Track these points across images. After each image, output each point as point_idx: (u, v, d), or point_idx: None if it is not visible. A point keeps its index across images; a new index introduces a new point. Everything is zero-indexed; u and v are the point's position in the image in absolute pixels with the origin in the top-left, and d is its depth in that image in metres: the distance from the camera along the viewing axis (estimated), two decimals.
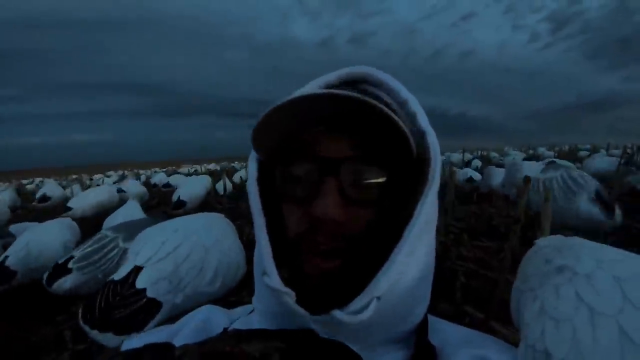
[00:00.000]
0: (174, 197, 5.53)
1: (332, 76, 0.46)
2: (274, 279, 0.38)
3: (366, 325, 0.37)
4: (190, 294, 1.70)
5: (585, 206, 2.69)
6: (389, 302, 0.37)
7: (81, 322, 1.52)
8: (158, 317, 1.58)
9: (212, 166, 21.04)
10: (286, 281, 0.38)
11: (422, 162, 0.41)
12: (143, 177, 14.30)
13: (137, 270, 1.66)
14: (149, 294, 1.58)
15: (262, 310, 0.46)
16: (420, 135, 0.42)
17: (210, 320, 0.51)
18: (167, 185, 8.27)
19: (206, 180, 6.35)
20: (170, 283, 1.65)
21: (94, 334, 1.47)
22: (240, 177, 8.48)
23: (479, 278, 2.64)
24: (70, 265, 2.34)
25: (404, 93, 0.45)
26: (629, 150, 8.23)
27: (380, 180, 0.40)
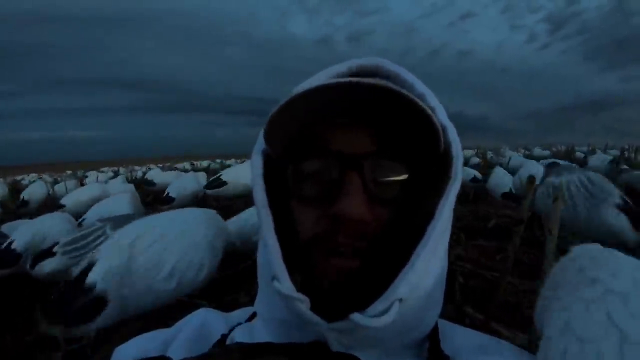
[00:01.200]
0: (165, 193, 5.54)
1: (342, 67, 0.43)
2: (286, 285, 0.34)
3: (385, 330, 0.34)
4: (142, 288, 1.71)
5: (612, 216, 2.40)
6: (409, 305, 0.34)
7: (39, 314, 1.59)
8: (109, 311, 1.63)
9: (206, 163, 21.00)
10: (299, 286, 0.35)
11: (443, 158, 0.39)
12: (139, 173, 14.27)
13: (91, 265, 1.71)
14: (98, 288, 1.63)
15: (267, 318, 0.43)
16: (442, 130, 0.39)
17: (207, 325, 0.49)
18: (151, 183, 8.09)
19: (198, 177, 6.25)
20: (120, 276, 1.68)
21: (45, 325, 1.54)
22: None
23: (477, 278, 2.64)
24: (55, 249, 2.38)
25: (420, 86, 0.42)
26: (625, 152, 8.27)
27: (403, 177, 0.38)
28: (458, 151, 0.38)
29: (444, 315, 0.45)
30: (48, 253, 2.37)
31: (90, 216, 3.70)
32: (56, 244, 2.41)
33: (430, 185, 0.39)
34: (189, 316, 0.52)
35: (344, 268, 0.36)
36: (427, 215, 0.36)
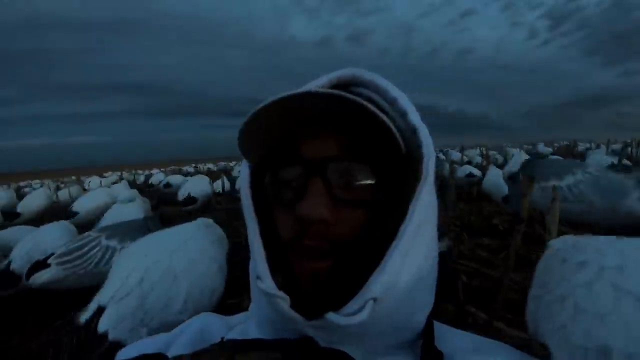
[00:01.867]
0: (182, 194, 5.63)
1: (323, 80, 0.45)
2: (268, 283, 0.37)
3: (363, 329, 0.35)
4: (159, 326, 1.64)
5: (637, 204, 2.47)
6: (385, 304, 0.35)
7: None
8: None
9: (210, 166, 21.10)
10: (280, 286, 0.37)
11: (415, 159, 0.40)
12: (142, 178, 14.33)
13: (100, 311, 1.62)
14: (111, 336, 1.54)
15: (257, 317, 0.45)
16: (412, 131, 0.41)
17: (207, 328, 0.50)
18: (168, 185, 8.26)
19: (208, 179, 6.42)
20: (134, 319, 1.60)
21: None
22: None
23: (481, 277, 2.63)
24: (50, 260, 2.35)
25: (393, 91, 0.43)
26: (628, 147, 8.24)
27: (370, 179, 0.39)
28: (429, 151, 0.39)
29: (446, 314, 0.45)
30: (43, 264, 2.36)
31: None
32: (51, 255, 2.40)
33: (404, 187, 0.39)
34: (189, 320, 0.53)
35: (315, 269, 0.38)
36: (402, 217, 0.37)
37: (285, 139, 0.40)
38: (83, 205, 4.96)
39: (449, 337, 0.44)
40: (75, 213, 4.78)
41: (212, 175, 9.00)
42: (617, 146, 10.35)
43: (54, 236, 2.91)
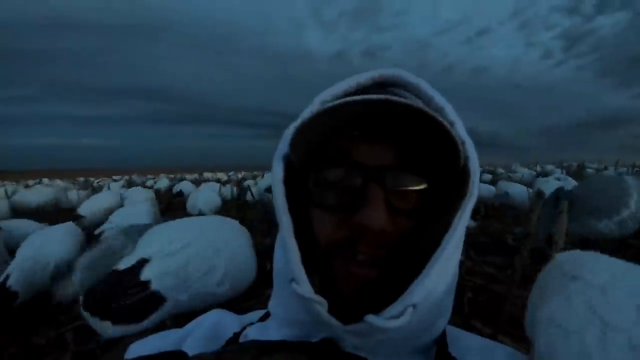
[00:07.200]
0: (192, 208, 5.64)
1: (363, 77, 0.43)
2: (305, 287, 0.35)
3: (398, 333, 0.35)
4: (197, 293, 1.65)
5: None
6: (422, 310, 0.35)
7: (82, 309, 1.47)
8: (161, 312, 1.53)
9: (220, 175, 21.24)
10: (317, 289, 0.36)
11: (461, 173, 0.39)
12: (150, 183, 14.41)
13: (143, 262, 1.62)
14: (154, 286, 1.54)
15: (283, 318, 0.43)
16: (461, 144, 0.38)
17: (220, 324, 0.50)
18: (180, 194, 8.38)
19: (218, 189, 6.38)
20: (177, 279, 1.61)
21: (93, 321, 1.43)
22: (248, 186, 8.21)
23: (487, 293, 2.61)
24: (74, 274, 2.26)
25: (439, 99, 0.42)
26: (637, 169, 8.16)
27: (422, 190, 0.38)
28: (475, 167, 0.39)
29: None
30: (68, 278, 2.30)
31: (108, 227, 3.65)
32: (73, 265, 2.32)
33: (448, 199, 0.39)
34: (202, 316, 0.53)
35: (363, 276, 0.37)
36: (443, 228, 0.36)
37: (335, 139, 0.39)
38: (88, 208, 4.92)
39: (460, 339, 0.45)
40: (80, 217, 4.71)
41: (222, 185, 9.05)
42: (624, 169, 10.24)
43: (55, 244, 2.74)
